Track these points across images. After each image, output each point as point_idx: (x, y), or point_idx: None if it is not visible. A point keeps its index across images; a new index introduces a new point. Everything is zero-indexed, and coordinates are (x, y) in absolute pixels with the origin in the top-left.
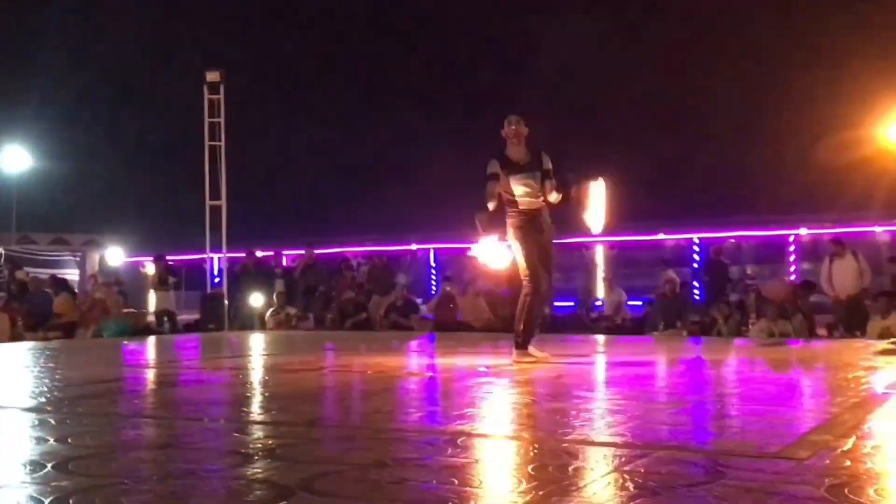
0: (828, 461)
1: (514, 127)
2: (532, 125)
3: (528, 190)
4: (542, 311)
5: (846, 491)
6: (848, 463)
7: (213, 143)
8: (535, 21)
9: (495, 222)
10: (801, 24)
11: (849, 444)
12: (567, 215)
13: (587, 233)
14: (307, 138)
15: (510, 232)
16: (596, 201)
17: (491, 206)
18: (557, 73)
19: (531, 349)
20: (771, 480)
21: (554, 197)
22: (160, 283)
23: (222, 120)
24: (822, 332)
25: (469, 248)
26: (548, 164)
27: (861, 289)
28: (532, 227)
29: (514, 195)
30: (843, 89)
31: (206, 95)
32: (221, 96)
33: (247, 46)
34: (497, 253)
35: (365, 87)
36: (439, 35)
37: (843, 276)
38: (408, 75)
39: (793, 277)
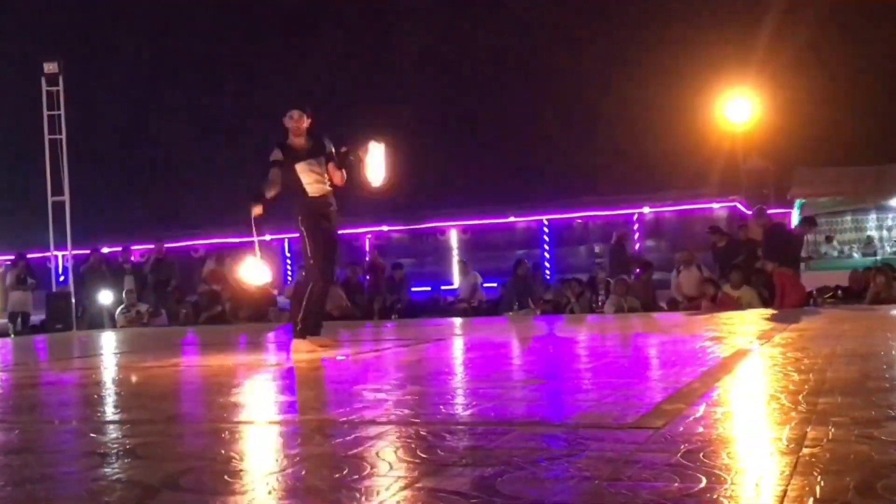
0: (682, 428)
1: (295, 122)
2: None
3: (315, 176)
4: (324, 300)
5: (701, 455)
6: (701, 429)
7: (52, 136)
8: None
9: (268, 214)
10: (641, 5)
11: (700, 411)
12: (352, 175)
13: (369, 189)
14: (153, 127)
15: (298, 220)
16: (374, 160)
17: (269, 193)
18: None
19: (312, 338)
20: (629, 450)
21: (339, 177)
22: (18, 283)
23: (62, 112)
24: (662, 305)
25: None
26: (330, 148)
27: (701, 293)
28: (321, 216)
29: (301, 182)
30: (683, 69)
31: (45, 87)
32: (61, 88)
33: (87, 34)
34: (258, 272)
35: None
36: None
37: (689, 285)
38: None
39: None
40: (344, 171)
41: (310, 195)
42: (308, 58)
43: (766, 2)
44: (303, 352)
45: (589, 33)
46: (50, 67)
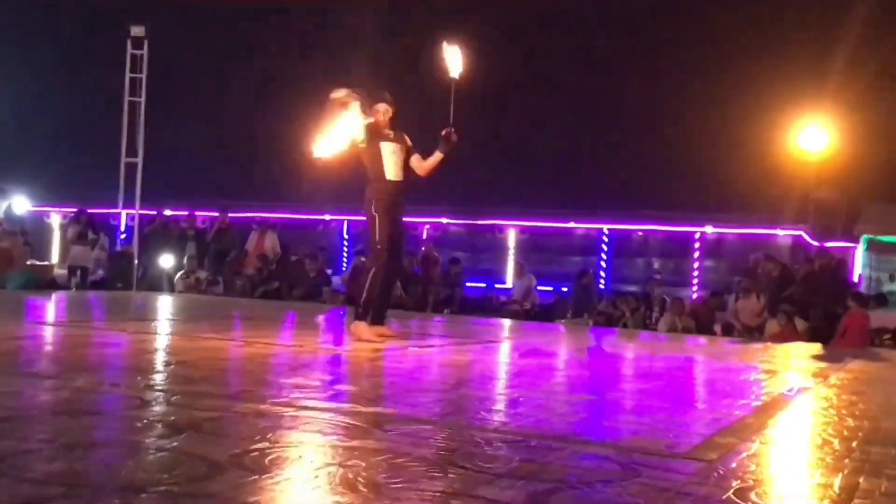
0: (734, 464)
1: (383, 116)
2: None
3: (398, 162)
4: (390, 288)
5: (752, 495)
6: (753, 466)
7: (132, 98)
8: None
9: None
10: (715, 27)
11: (754, 447)
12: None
13: (448, 80)
14: (228, 102)
15: (372, 203)
16: (452, 56)
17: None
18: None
19: (374, 327)
20: (682, 481)
21: (427, 168)
22: (79, 237)
23: (144, 76)
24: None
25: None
26: (409, 142)
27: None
28: (394, 203)
29: (383, 164)
30: (757, 93)
31: (129, 50)
32: (145, 52)
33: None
34: (329, 145)
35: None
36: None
37: (747, 313)
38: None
39: (696, 273)
40: (439, 156)
41: (388, 179)
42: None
43: (845, 29)
44: (362, 336)
45: (668, 52)
46: (136, 31)
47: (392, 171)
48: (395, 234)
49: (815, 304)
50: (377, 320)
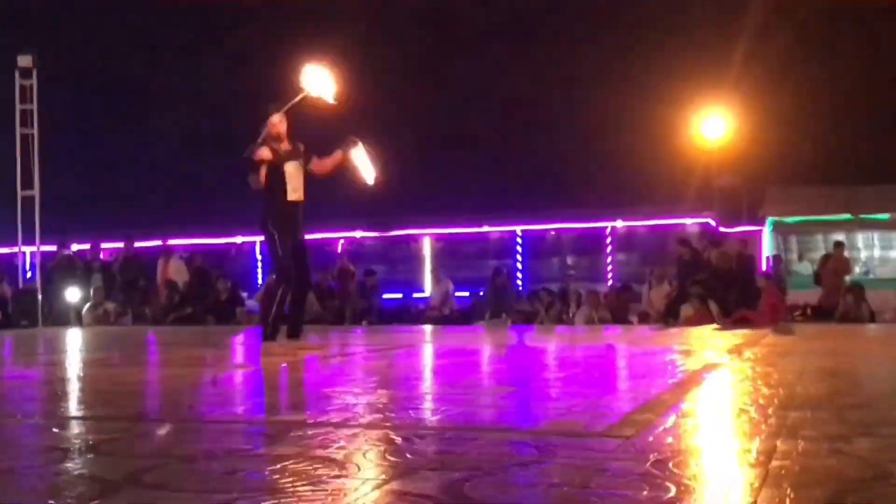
0: (651, 438)
1: (276, 127)
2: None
3: (299, 179)
4: (300, 303)
5: (670, 465)
6: (670, 440)
7: (25, 130)
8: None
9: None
10: (616, 20)
11: (670, 422)
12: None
13: (365, 187)
14: (126, 126)
15: (269, 222)
16: (361, 158)
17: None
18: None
19: (291, 342)
20: (599, 458)
21: (330, 165)
22: None
23: (35, 107)
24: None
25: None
26: (302, 148)
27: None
28: (292, 220)
29: (285, 184)
30: (659, 84)
31: (18, 81)
32: (34, 82)
33: (60, 29)
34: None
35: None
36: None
37: (660, 300)
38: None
39: (609, 267)
40: (339, 155)
41: (288, 198)
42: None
43: (742, 20)
44: (274, 354)
45: (564, 47)
46: (24, 61)
47: (293, 191)
48: (297, 249)
49: (726, 289)
50: (293, 335)
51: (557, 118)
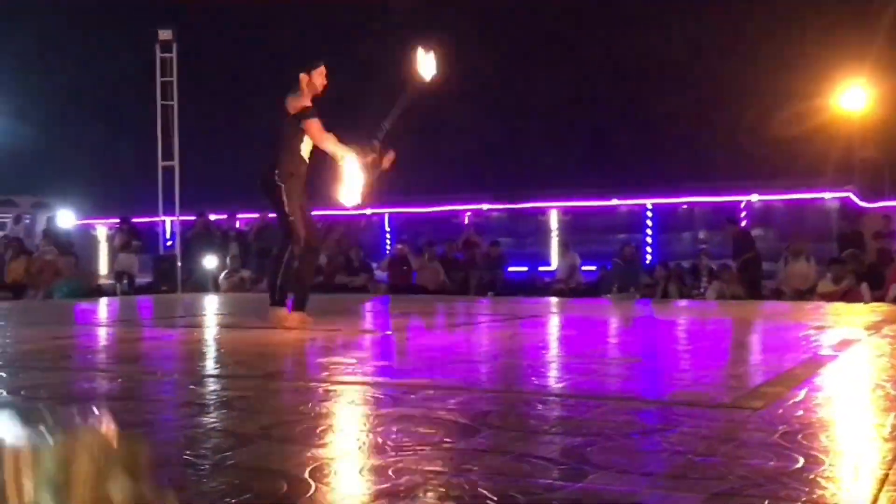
0: (781, 411)
1: (324, 79)
2: None
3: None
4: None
5: (799, 437)
6: (801, 412)
7: (165, 102)
8: None
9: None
10: None
11: (801, 395)
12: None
13: (341, 206)
14: (263, 100)
15: (290, 188)
16: (350, 176)
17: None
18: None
19: (296, 313)
20: (725, 428)
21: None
22: (124, 245)
23: (174, 79)
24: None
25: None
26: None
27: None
28: (304, 181)
29: (303, 149)
30: (797, 57)
31: (158, 54)
32: (174, 55)
33: (200, 4)
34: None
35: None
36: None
37: (797, 276)
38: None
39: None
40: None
41: (306, 160)
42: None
43: None
44: (287, 324)
45: (703, 19)
46: (164, 35)
47: (307, 153)
48: (310, 219)
49: (862, 263)
50: (299, 307)
51: (690, 89)
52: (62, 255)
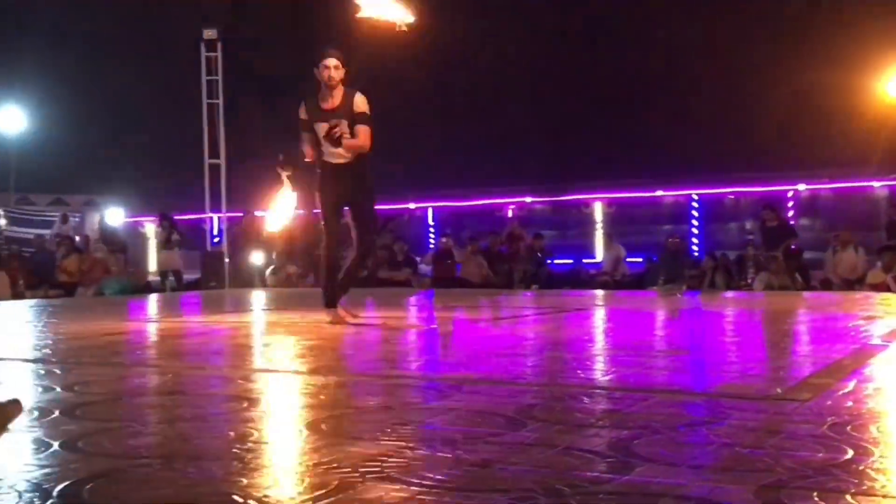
0: (829, 402)
1: (331, 72)
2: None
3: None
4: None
5: (848, 429)
6: (850, 404)
7: (210, 101)
8: None
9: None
10: None
11: (850, 386)
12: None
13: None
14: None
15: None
16: (286, 199)
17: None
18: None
19: (331, 311)
20: (773, 420)
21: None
22: (165, 242)
23: (220, 78)
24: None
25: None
26: (362, 107)
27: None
28: (332, 179)
29: (320, 143)
30: (844, 40)
31: (203, 53)
32: (219, 54)
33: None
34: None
35: None
36: None
37: (845, 266)
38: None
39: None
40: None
41: (325, 160)
42: None
43: None
44: (345, 319)
45: (750, 7)
46: (209, 34)
47: (329, 154)
48: (358, 215)
49: None
50: (331, 304)
51: (736, 77)
52: (112, 253)
